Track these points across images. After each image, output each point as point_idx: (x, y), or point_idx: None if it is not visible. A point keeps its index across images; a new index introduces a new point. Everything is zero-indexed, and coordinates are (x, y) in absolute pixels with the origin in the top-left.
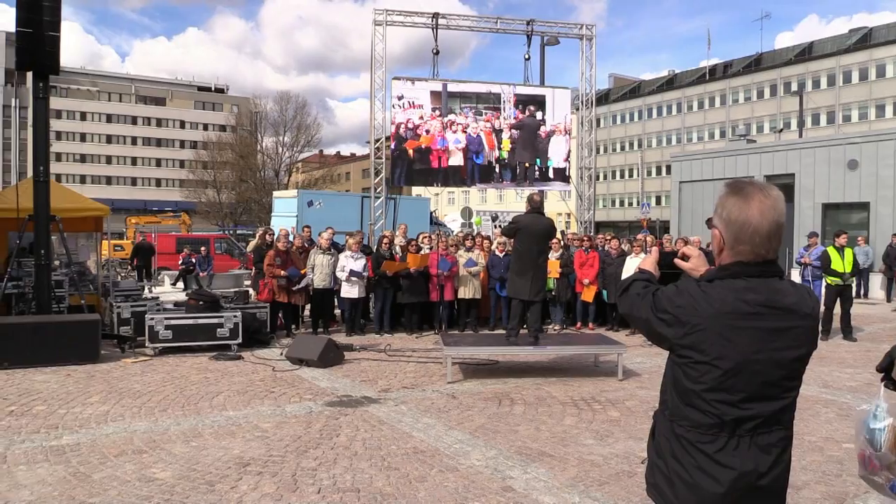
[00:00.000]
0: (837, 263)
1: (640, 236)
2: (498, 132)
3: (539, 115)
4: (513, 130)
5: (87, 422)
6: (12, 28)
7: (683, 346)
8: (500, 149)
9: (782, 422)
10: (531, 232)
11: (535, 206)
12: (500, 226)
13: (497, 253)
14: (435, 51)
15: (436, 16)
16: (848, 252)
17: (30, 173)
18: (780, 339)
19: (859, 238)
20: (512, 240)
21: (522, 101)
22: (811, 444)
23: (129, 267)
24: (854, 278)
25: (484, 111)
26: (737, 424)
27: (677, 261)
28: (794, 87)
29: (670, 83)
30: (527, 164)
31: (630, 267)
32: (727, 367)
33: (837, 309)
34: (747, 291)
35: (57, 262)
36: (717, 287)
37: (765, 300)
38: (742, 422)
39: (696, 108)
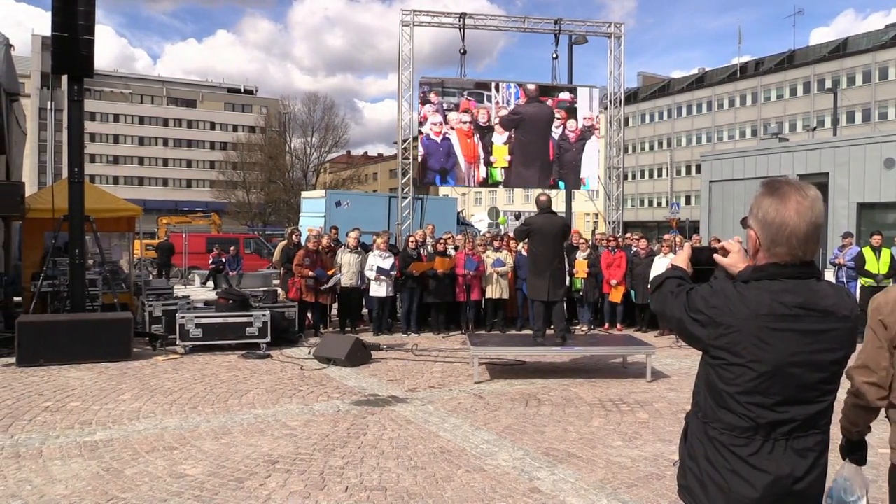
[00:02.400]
0: (872, 264)
1: (667, 236)
2: (485, 132)
3: (566, 97)
4: (509, 130)
5: (120, 418)
6: (48, 32)
7: (717, 348)
8: (489, 164)
9: (819, 425)
10: (545, 233)
11: (545, 207)
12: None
13: (524, 253)
14: (462, 51)
15: (463, 16)
16: (885, 253)
17: (65, 174)
18: (817, 342)
19: None
20: (526, 241)
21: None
22: None
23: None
24: (890, 280)
25: (461, 95)
26: (772, 428)
27: (717, 256)
28: (829, 85)
29: (700, 81)
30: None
31: (659, 267)
32: (763, 370)
33: None
34: (784, 293)
35: (91, 262)
36: (753, 288)
37: (802, 302)
38: (777, 425)
39: (726, 107)
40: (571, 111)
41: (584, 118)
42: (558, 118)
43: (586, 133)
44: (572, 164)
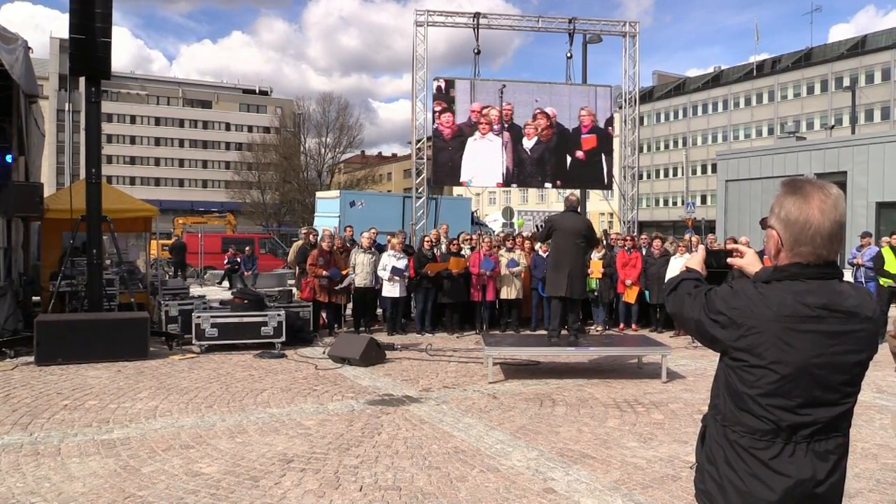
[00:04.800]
0: (891, 264)
1: (686, 236)
2: None
3: (440, 86)
4: None
5: (137, 417)
6: (66, 35)
7: (738, 350)
8: None
9: (840, 428)
10: (567, 231)
11: (572, 206)
12: (538, 226)
13: (541, 253)
14: (476, 50)
15: (477, 16)
16: None
17: (82, 175)
18: (840, 344)
19: None
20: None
21: None
22: (865, 450)
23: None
24: None
25: None
26: (793, 430)
27: (731, 260)
28: (847, 82)
29: (716, 80)
30: None
31: (675, 267)
32: (785, 372)
33: (892, 312)
34: (807, 294)
35: (108, 262)
36: (774, 288)
37: (825, 303)
38: (799, 428)
39: (742, 105)
40: (449, 102)
41: (471, 111)
42: (436, 110)
43: (466, 129)
44: (448, 165)
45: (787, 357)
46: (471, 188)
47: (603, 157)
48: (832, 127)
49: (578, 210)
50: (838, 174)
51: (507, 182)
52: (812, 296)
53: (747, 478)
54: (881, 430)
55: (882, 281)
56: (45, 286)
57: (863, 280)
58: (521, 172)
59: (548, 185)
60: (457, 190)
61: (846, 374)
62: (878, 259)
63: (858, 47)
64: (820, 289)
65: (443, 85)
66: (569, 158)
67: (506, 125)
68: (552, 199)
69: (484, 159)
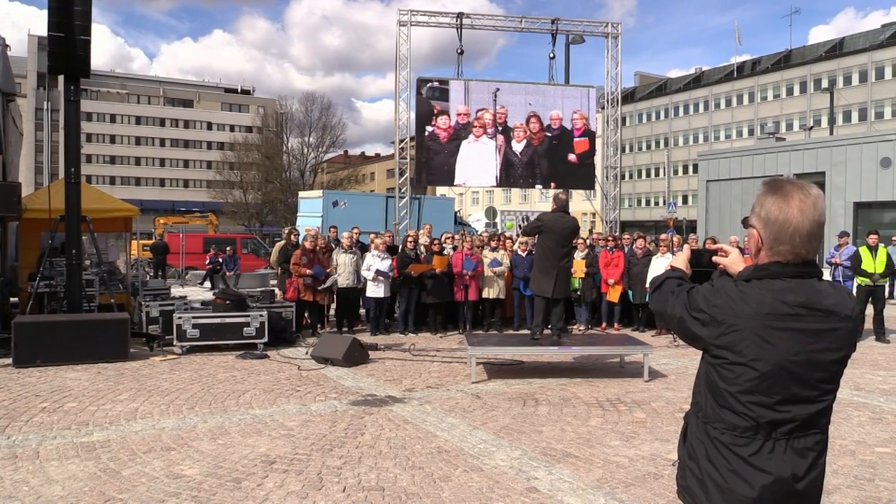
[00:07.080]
0: (868, 264)
1: (664, 236)
2: None
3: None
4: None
5: (117, 419)
6: (44, 32)
7: (719, 347)
8: None
9: (819, 425)
10: (556, 231)
11: (561, 206)
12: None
13: (520, 252)
14: (459, 50)
15: (460, 15)
16: (881, 252)
17: (61, 175)
18: (819, 341)
19: (894, 237)
20: (535, 238)
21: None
22: (843, 447)
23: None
24: (887, 279)
25: None
26: (773, 427)
27: (716, 258)
28: (825, 84)
29: (697, 81)
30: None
31: (657, 267)
32: (764, 370)
33: (870, 310)
34: (786, 292)
35: (87, 262)
36: (754, 287)
37: (804, 301)
38: (778, 424)
39: (723, 106)
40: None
41: (458, 115)
42: (435, 112)
43: (461, 131)
44: (443, 168)
45: (766, 354)
46: (454, 188)
47: (594, 160)
48: (811, 128)
49: (568, 210)
50: (817, 175)
51: (500, 183)
52: (791, 294)
53: (727, 474)
54: (859, 426)
55: (859, 280)
56: (24, 287)
57: (840, 279)
58: (512, 174)
59: (539, 186)
60: (440, 190)
61: (825, 372)
62: (856, 258)
63: (836, 49)
64: (799, 287)
65: (437, 86)
66: (561, 161)
67: (499, 128)
68: (535, 199)
69: (478, 162)
